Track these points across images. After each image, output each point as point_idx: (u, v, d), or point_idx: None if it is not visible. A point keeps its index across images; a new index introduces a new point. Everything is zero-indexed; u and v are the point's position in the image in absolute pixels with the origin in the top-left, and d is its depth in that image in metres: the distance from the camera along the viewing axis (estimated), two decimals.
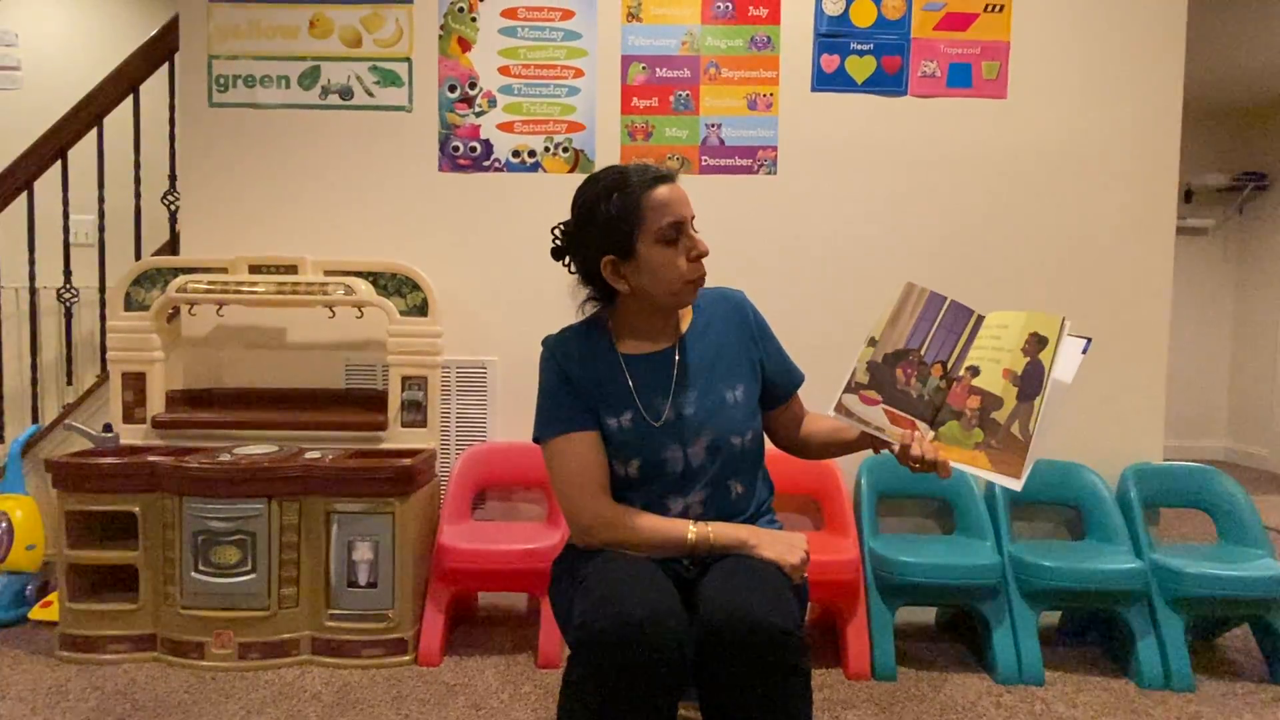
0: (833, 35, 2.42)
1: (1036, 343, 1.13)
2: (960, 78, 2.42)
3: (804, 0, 2.41)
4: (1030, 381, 1.11)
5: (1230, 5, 3.48)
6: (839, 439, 1.31)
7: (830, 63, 2.42)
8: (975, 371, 1.16)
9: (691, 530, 1.23)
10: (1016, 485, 1.08)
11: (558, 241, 1.34)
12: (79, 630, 2.10)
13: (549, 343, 1.35)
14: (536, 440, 1.31)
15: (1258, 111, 5.00)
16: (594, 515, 1.24)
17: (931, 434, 1.16)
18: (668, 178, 1.25)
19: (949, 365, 1.17)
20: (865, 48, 2.42)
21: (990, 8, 2.41)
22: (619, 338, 1.33)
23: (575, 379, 1.30)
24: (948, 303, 1.20)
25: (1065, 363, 1.11)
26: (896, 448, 1.16)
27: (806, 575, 1.26)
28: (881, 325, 1.21)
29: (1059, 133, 2.43)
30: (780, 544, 1.23)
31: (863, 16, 2.41)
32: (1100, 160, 2.43)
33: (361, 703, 1.89)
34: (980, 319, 1.21)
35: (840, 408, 1.18)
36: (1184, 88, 2.41)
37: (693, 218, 1.27)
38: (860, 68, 2.42)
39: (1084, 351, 1.12)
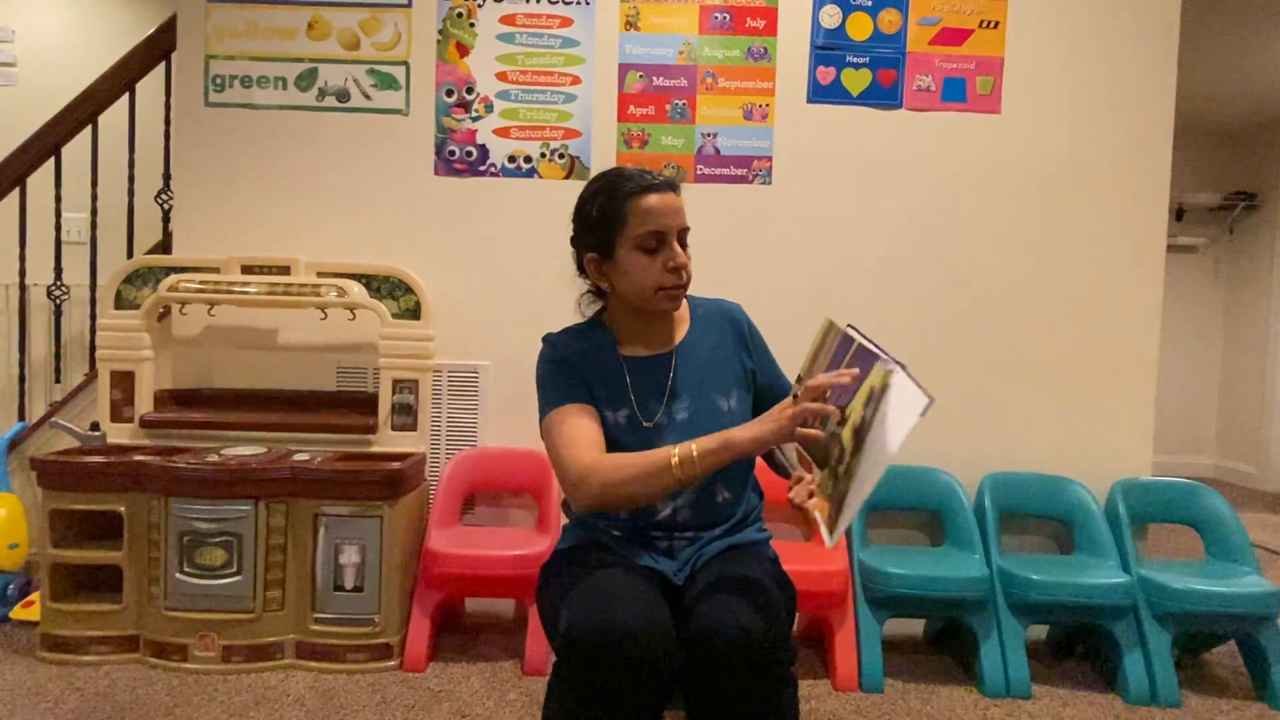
0: (829, 48, 2.44)
1: (874, 395, 0.99)
2: (955, 92, 2.43)
3: (801, 12, 2.43)
4: (860, 436, 0.99)
5: (1222, 26, 3.52)
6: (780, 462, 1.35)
7: (826, 75, 2.44)
8: (844, 421, 1.05)
9: (675, 451, 1.14)
10: (827, 542, 1.01)
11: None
12: (60, 631, 2.07)
13: (550, 338, 1.37)
14: (541, 422, 1.30)
15: (1248, 131, 5.06)
16: (582, 465, 1.19)
17: (819, 477, 1.09)
18: (660, 186, 1.26)
19: (846, 410, 1.05)
20: (861, 61, 2.43)
21: (985, 24, 2.43)
22: (619, 339, 1.35)
23: (575, 367, 1.31)
24: (855, 345, 1.09)
25: (893, 419, 0.96)
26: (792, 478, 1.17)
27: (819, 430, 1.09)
28: (806, 363, 1.20)
29: (1052, 149, 2.45)
30: (772, 419, 1.11)
31: (859, 30, 2.43)
32: (1092, 177, 2.45)
33: (345, 708, 1.88)
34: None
35: None
36: (1175, 107, 2.44)
37: (684, 229, 1.28)
38: (856, 80, 2.44)
39: (922, 414, 0.94)
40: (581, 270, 1.36)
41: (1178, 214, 5.11)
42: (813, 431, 1.05)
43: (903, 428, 0.94)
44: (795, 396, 1.10)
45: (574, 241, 1.36)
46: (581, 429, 1.25)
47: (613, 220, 1.25)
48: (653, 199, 1.25)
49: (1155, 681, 2.02)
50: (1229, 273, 5.24)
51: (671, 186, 1.28)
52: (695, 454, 1.13)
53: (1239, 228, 5.16)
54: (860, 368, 1.04)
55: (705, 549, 1.29)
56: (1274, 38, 3.66)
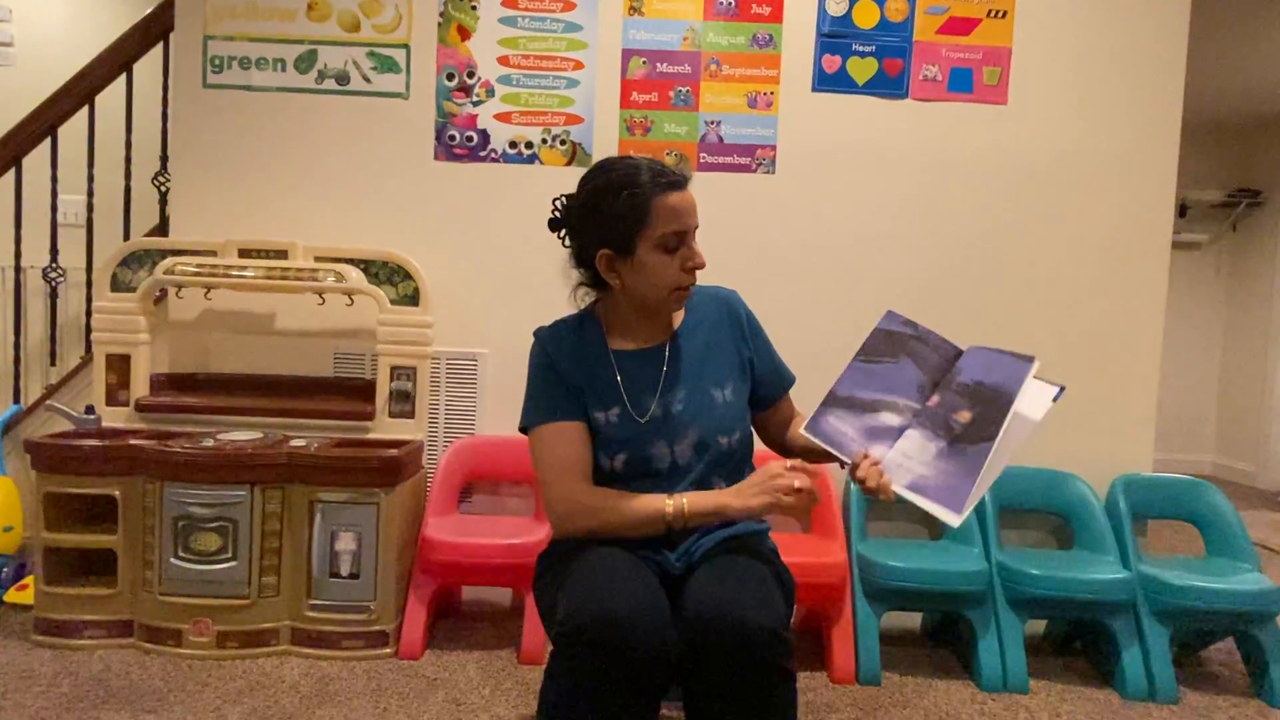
0: (835, 36, 2.41)
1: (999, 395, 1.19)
2: (961, 82, 2.41)
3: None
4: (982, 427, 1.15)
5: (1229, 23, 3.49)
6: (812, 445, 1.28)
7: (832, 63, 2.41)
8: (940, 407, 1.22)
9: (668, 504, 1.20)
10: (955, 521, 1.10)
11: (556, 214, 1.33)
12: (55, 614, 2.06)
13: (540, 334, 1.34)
14: (523, 429, 1.30)
15: (1253, 128, 5.03)
16: (572, 502, 1.23)
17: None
18: (679, 183, 1.23)
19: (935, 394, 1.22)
20: (867, 49, 2.41)
21: (993, 13, 2.40)
22: (610, 333, 1.33)
23: (564, 371, 1.29)
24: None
25: (1025, 410, 1.14)
26: (849, 465, 1.19)
27: (812, 508, 1.19)
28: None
29: (1058, 142, 2.42)
30: (764, 493, 1.16)
31: (866, 18, 2.40)
32: (1098, 171, 2.43)
33: (340, 694, 1.87)
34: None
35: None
36: (1183, 102, 2.41)
37: (696, 227, 1.26)
38: (861, 69, 2.41)
39: (1055, 399, 1.14)
40: (581, 264, 1.31)
41: (1181, 210, 5.09)
42: (791, 501, 1.14)
43: (1036, 415, 1.12)
44: (789, 469, 1.17)
45: (574, 231, 1.30)
46: (570, 454, 1.25)
47: (637, 218, 1.21)
48: (676, 197, 1.22)
49: (1153, 677, 2.01)
50: (1231, 270, 5.23)
51: (687, 180, 1.25)
52: (687, 511, 1.20)
53: (1242, 225, 5.13)
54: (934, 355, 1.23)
55: (704, 539, 1.28)
56: None
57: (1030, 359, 1.17)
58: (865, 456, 1.16)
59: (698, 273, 1.27)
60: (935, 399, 1.20)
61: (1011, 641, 2.06)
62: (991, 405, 1.15)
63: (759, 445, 1.41)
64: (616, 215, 1.22)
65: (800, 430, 1.24)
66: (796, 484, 1.14)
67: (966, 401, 1.17)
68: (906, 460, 1.16)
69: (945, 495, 1.11)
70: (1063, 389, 1.15)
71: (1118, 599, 2.02)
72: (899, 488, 1.13)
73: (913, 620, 2.44)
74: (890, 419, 1.20)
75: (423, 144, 2.45)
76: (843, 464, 1.21)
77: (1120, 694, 2.03)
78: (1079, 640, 2.33)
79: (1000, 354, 1.20)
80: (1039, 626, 2.40)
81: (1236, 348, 5.17)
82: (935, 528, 2.41)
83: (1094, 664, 2.21)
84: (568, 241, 1.33)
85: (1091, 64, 2.41)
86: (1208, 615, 2.04)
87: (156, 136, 2.75)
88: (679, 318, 1.35)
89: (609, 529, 1.21)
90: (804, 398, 1.42)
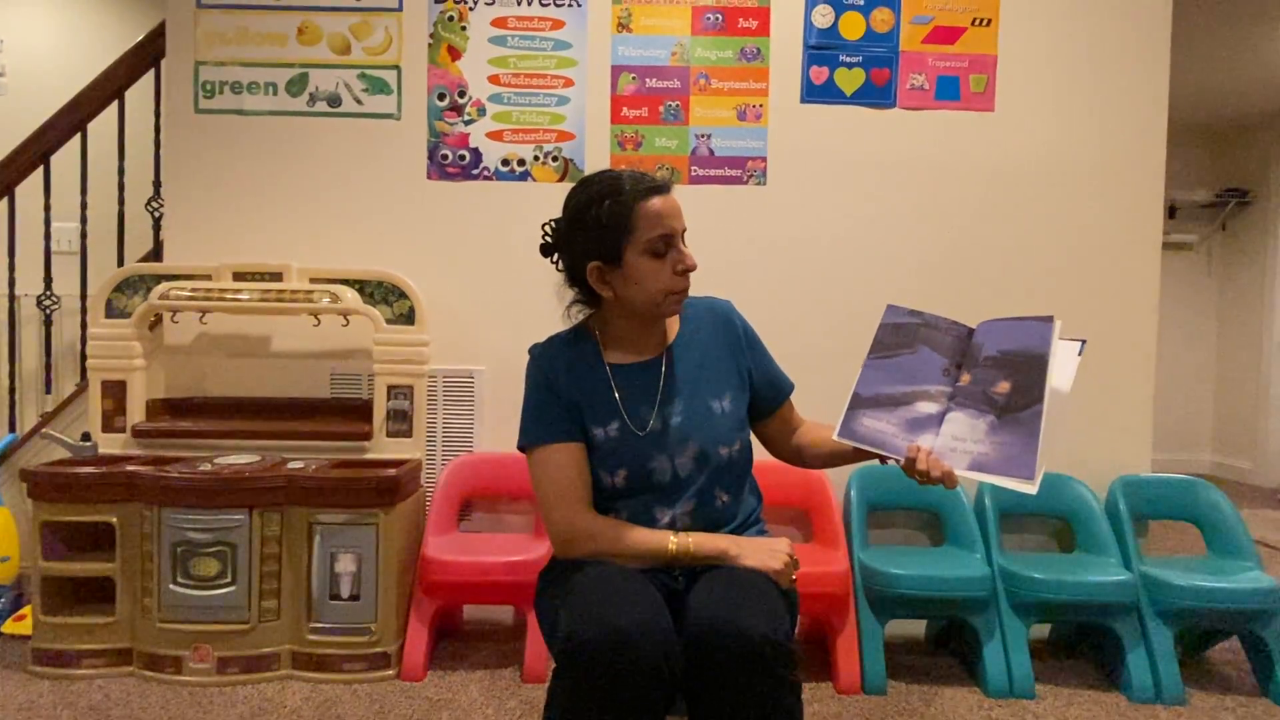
0: (822, 47, 2.43)
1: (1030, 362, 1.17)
2: (948, 90, 2.43)
3: (794, 13, 2.43)
4: (1026, 393, 1.14)
5: (1214, 23, 3.53)
6: (842, 449, 1.26)
7: (819, 74, 2.43)
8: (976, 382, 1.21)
9: (673, 541, 1.21)
10: (1032, 489, 1.08)
11: (547, 238, 1.33)
12: (53, 644, 2.05)
13: (535, 351, 1.34)
14: (521, 448, 1.30)
15: (1240, 128, 5.07)
16: (574, 527, 1.23)
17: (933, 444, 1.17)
18: (662, 188, 1.24)
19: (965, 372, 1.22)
20: (854, 60, 2.43)
21: (978, 21, 2.42)
22: (606, 347, 1.32)
23: (561, 389, 1.28)
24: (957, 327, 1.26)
25: (1058, 370, 1.13)
26: (903, 461, 1.16)
27: (796, 581, 1.25)
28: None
29: (1046, 147, 2.44)
30: (762, 551, 1.22)
31: (852, 29, 2.43)
32: (1087, 175, 2.45)
33: (343, 718, 1.85)
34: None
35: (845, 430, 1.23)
36: (1168, 104, 2.44)
37: (684, 230, 1.26)
38: (849, 80, 2.43)
39: (1079, 354, 1.15)
40: (574, 282, 1.31)
41: (1170, 211, 5.12)
42: (779, 570, 1.20)
43: (1069, 371, 1.14)
44: (791, 559, 1.24)
45: (563, 249, 1.30)
46: (570, 477, 1.25)
47: (621, 225, 1.22)
48: (658, 201, 1.22)
49: (1159, 679, 2.00)
50: (1222, 269, 5.26)
51: (670, 187, 1.26)
52: (692, 551, 1.21)
53: (1232, 224, 5.17)
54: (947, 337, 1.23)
55: None
56: (1265, 35, 3.67)
57: (1049, 318, 1.16)
58: (919, 449, 1.14)
59: (691, 284, 1.27)
60: (966, 377, 1.18)
61: (1016, 647, 2.06)
62: (1027, 370, 1.13)
63: (765, 456, 1.41)
64: (602, 225, 1.22)
65: (832, 436, 1.22)
66: (790, 556, 1.24)
67: (1001, 372, 1.16)
68: (958, 443, 1.14)
69: (1012, 466, 1.09)
70: (1084, 342, 1.15)
71: (1121, 601, 2.02)
72: (961, 471, 1.12)
73: (917, 628, 2.43)
74: (927, 407, 1.18)
75: (415, 164, 2.46)
76: (883, 460, 1.20)
77: (1127, 696, 2.02)
78: (1084, 643, 2.32)
79: (1015, 320, 1.19)
80: (1043, 631, 2.39)
81: (1230, 346, 5.19)
82: (937, 534, 2.41)
83: (1100, 667, 2.20)
84: (560, 265, 1.32)
85: (1076, 68, 2.44)
86: (1211, 615, 2.03)
87: (149, 162, 2.75)
88: (674, 330, 1.35)
89: (609, 557, 1.21)
90: (802, 405, 1.42)
